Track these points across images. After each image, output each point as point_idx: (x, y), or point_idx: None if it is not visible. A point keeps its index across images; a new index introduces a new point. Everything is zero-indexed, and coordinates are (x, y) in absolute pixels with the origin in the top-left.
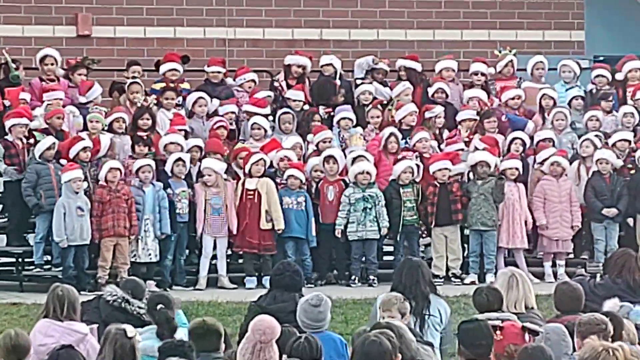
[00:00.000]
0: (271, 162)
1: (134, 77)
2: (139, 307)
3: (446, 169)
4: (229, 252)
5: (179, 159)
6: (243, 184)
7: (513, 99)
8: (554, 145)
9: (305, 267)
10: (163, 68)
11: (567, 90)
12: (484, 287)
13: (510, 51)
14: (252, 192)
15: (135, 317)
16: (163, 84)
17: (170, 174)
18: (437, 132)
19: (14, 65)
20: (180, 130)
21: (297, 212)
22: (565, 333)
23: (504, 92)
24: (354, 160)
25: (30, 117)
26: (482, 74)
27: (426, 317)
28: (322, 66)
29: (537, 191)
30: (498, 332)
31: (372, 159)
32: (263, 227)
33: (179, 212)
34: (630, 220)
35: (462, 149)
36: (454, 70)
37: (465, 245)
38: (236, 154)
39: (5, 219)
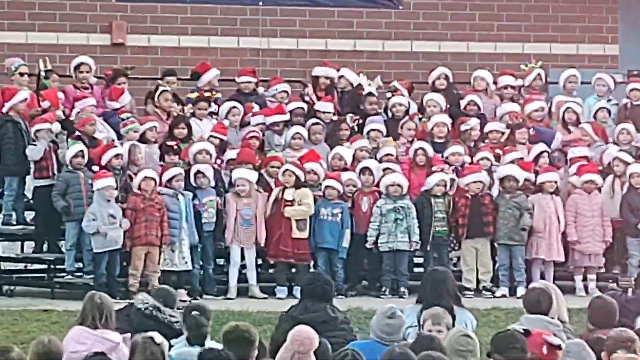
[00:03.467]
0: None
1: (164, 86)
2: (170, 316)
3: (480, 181)
4: (260, 261)
5: (199, 171)
6: (282, 192)
7: (537, 110)
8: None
9: (337, 278)
10: (204, 78)
11: (595, 104)
12: (538, 287)
13: (536, 64)
14: (289, 203)
15: (167, 325)
16: (197, 94)
17: (194, 185)
18: (473, 144)
19: (43, 74)
20: (215, 138)
21: (332, 224)
22: (585, 347)
23: (527, 104)
24: (384, 171)
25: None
26: (512, 87)
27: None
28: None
29: (569, 205)
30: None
31: (398, 168)
32: (294, 236)
33: (205, 222)
34: None
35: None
36: (486, 81)
37: (495, 259)
38: (267, 162)
39: (35, 227)
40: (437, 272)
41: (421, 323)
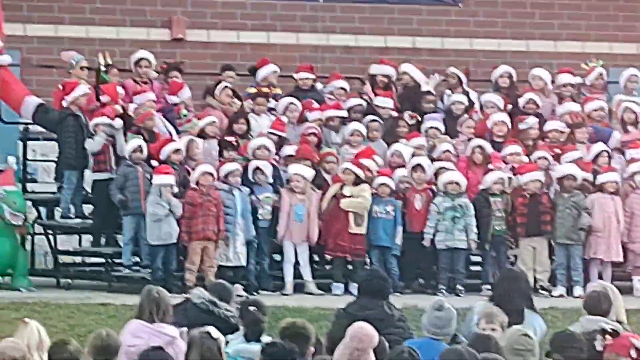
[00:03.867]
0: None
1: (226, 82)
2: (227, 310)
3: (538, 180)
4: (316, 258)
5: (257, 168)
6: (341, 188)
7: (597, 110)
8: None
9: (392, 276)
10: (262, 74)
11: None
12: (598, 289)
13: (598, 62)
14: (348, 198)
15: (223, 320)
16: (255, 90)
17: (252, 180)
18: (531, 143)
19: (103, 68)
20: (274, 134)
21: (385, 222)
22: None
23: (587, 103)
24: (440, 169)
25: (113, 117)
26: (571, 85)
27: None
28: (403, 74)
29: (626, 205)
30: (608, 336)
31: (453, 166)
32: (352, 231)
33: (260, 218)
34: None
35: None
36: (544, 81)
37: (553, 258)
38: (322, 157)
39: (93, 220)
40: (511, 272)
41: (475, 322)
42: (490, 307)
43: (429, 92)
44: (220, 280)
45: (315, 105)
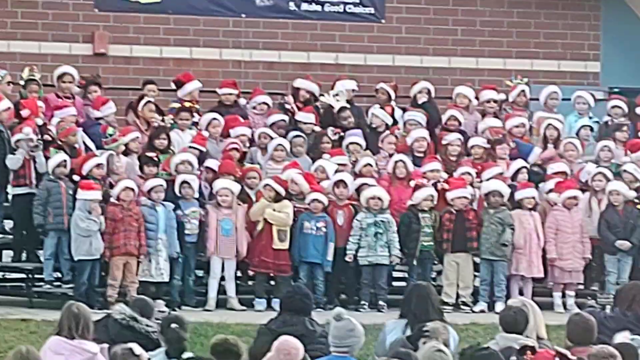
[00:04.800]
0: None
1: (149, 96)
2: (148, 326)
3: (464, 197)
4: (239, 273)
5: (185, 182)
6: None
7: (517, 127)
8: (565, 178)
9: (317, 292)
10: (186, 89)
11: (576, 121)
12: (515, 306)
13: (522, 80)
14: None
15: (144, 335)
16: (179, 104)
17: (179, 195)
18: (455, 159)
19: (21, 83)
20: (194, 149)
21: (316, 237)
22: None
23: (508, 120)
24: (362, 185)
25: (36, 131)
26: (494, 101)
27: None
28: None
29: (550, 222)
30: (529, 352)
31: (373, 182)
32: (275, 247)
33: (187, 233)
34: None
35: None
36: (468, 98)
37: (475, 274)
38: (244, 173)
39: (13, 235)
40: (421, 286)
41: (389, 340)
42: (436, 323)
43: (342, 109)
44: (142, 296)
45: (241, 120)
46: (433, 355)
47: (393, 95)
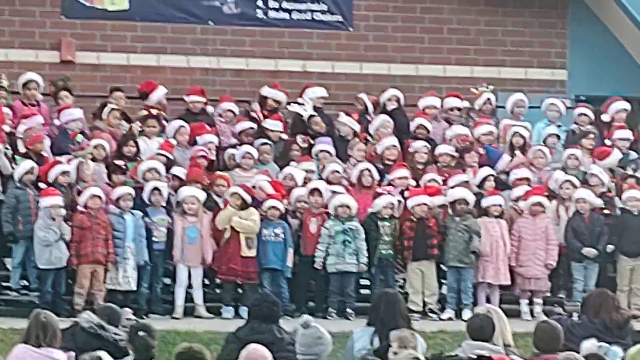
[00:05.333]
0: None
1: (114, 104)
2: (115, 334)
3: (424, 204)
4: (206, 281)
5: (156, 188)
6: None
7: (486, 134)
8: (529, 184)
9: (282, 298)
10: (153, 97)
11: (544, 128)
12: (481, 314)
13: (487, 88)
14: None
15: (112, 343)
16: (146, 112)
17: (148, 202)
18: (421, 167)
19: None
20: (161, 156)
21: (275, 244)
22: None
23: (476, 127)
24: (333, 192)
25: (2, 140)
26: (458, 109)
27: None
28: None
29: (514, 229)
30: None
31: (342, 189)
32: (244, 255)
33: (155, 241)
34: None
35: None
36: (436, 108)
37: (443, 281)
38: (212, 180)
39: None
40: (388, 294)
41: (357, 348)
42: (403, 331)
43: (311, 117)
44: (109, 304)
45: (208, 128)
46: None
47: (371, 109)
